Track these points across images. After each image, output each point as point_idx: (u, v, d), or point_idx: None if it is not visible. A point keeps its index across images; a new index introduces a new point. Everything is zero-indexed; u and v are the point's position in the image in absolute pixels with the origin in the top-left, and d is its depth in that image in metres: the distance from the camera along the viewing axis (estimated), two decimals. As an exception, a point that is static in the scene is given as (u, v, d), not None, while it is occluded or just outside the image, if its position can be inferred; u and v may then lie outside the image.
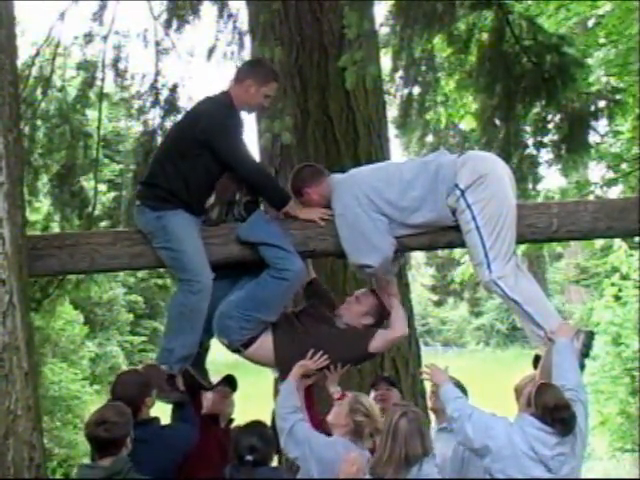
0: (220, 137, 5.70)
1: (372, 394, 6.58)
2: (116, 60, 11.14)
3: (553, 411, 5.03)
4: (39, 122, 10.97)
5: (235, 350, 5.94)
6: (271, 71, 6.08)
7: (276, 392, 6.24)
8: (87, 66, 11.28)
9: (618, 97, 10.92)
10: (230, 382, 6.52)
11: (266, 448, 5.04)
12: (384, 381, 6.81)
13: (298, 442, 5.32)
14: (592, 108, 10.35)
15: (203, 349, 6.18)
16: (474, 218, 5.58)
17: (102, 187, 13.16)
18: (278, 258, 5.71)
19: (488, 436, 5.10)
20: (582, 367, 5.79)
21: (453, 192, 5.63)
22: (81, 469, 5.12)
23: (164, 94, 11.01)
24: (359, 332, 5.95)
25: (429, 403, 6.31)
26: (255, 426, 5.25)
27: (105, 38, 11.06)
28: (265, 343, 5.86)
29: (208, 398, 6.42)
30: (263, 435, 5.09)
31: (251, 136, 9.54)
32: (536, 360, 6.04)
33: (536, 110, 10.43)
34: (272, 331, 5.87)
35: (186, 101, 10.90)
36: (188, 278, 5.70)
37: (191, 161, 5.72)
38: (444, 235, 5.83)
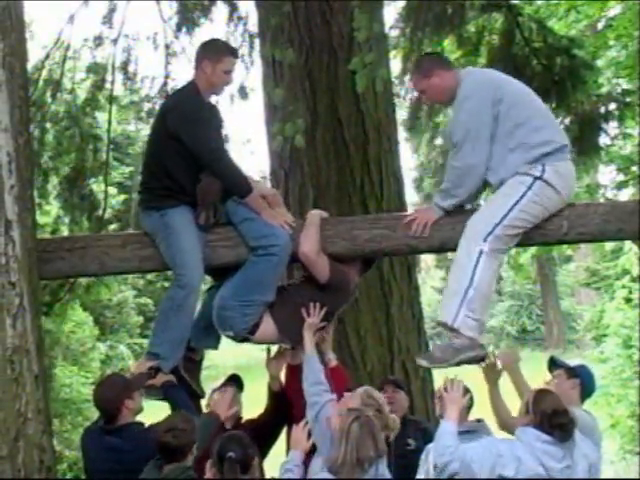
0: (183, 126, 5.66)
1: None
2: (126, 63, 11.16)
3: (552, 417, 5.04)
4: (49, 125, 10.99)
5: (243, 339, 5.93)
6: (223, 47, 6.01)
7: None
8: (97, 69, 11.32)
9: (628, 99, 10.87)
10: (236, 382, 6.51)
11: (246, 450, 5.03)
12: (391, 384, 6.78)
13: (323, 429, 5.39)
14: (602, 110, 10.31)
15: (198, 358, 6.23)
16: (522, 197, 5.49)
17: (112, 190, 13.13)
18: (262, 236, 5.71)
19: (500, 465, 5.10)
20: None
21: (536, 167, 5.51)
22: (148, 472, 5.17)
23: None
24: (341, 275, 5.95)
25: (437, 409, 6.28)
26: (234, 434, 5.21)
27: (115, 41, 11.08)
28: (267, 321, 5.85)
29: (214, 399, 6.42)
30: (242, 440, 5.07)
31: (261, 139, 9.59)
32: (551, 363, 6.07)
33: (546, 112, 10.39)
34: (269, 309, 5.85)
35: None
36: (178, 272, 5.73)
37: (170, 156, 5.73)
38: (454, 238, 5.77)
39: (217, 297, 5.86)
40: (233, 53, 6.01)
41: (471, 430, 5.78)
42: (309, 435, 5.49)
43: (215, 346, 6.27)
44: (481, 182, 5.70)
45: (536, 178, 5.50)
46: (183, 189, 5.75)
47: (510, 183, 5.56)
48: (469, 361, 5.52)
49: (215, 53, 5.83)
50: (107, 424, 5.45)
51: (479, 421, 6.00)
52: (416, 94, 5.98)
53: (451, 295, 5.53)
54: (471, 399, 5.97)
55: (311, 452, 5.53)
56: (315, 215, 5.96)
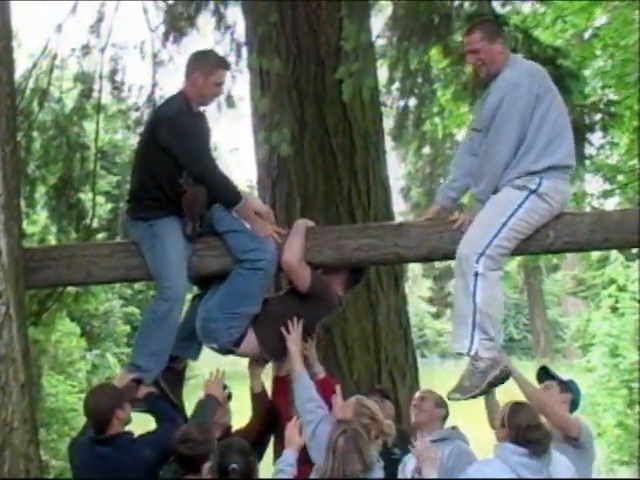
0: (173, 138, 5.65)
1: None
2: (113, 72, 11.12)
3: (526, 431, 5.05)
4: (36, 134, 10.93)
5: (227, 352, 5.91)
6: (216, 59, 6.00)
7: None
8: (84, 78, 11.25)
9: (613, 110, 10.88)
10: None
11: (248, 458, 5.02)
12: (377, 393, 6.78)
13: (320, 445, 5.34)
14: (587, 120, 10.30)
15: (181, 367, 6.21)
16: (512, 216, 5.45)
17: (99, 199, 13.07)
18: (249, 250, 5.69)
19: None
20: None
21: (533, 180, 5.46)
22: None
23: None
24: (323, 285, 5.95)
25: (412, 417, 6.27)
26: (234, 442, 5.20)
27: (102, 50, 11.03)
28: (250, 334, 5.84)
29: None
30: (243, 448, 5.06)
31: (248, 148, 9.56)
32: (543, 373, 6.13)
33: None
34: (251, 323, 5.85)
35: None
36: (162, 285, 5.72)
37: (160, 166, 5.72)
38: (441, 247, 5.80)
39: (201, 309, 5.87)
40: (225, 65, 6.01)
41: (445, 438, 5.92)
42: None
43: (195, 357, 6.25)
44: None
45: (531, 192, 5.46)
46: (171, 200, 5.74)
47: (501, 198, 5.54)
48: (497, 381, 5.47)
49: (207, 65, 5.81)
50: (97, 434, 5.42)
51: (453, 428, 6.11)
52: (466, 51, 5.73)
53: (460, 323, 5.48)
54: (446, 409, 6.11)
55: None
56: (300, 224, 5.96)
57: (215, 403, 5.82)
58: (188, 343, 6.05)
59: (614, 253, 18.42)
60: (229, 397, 6.34)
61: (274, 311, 5.92)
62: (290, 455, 5.35)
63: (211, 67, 5.81)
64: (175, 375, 6.12)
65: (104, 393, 5.55)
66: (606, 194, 14.74)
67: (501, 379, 5.46)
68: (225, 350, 5.89)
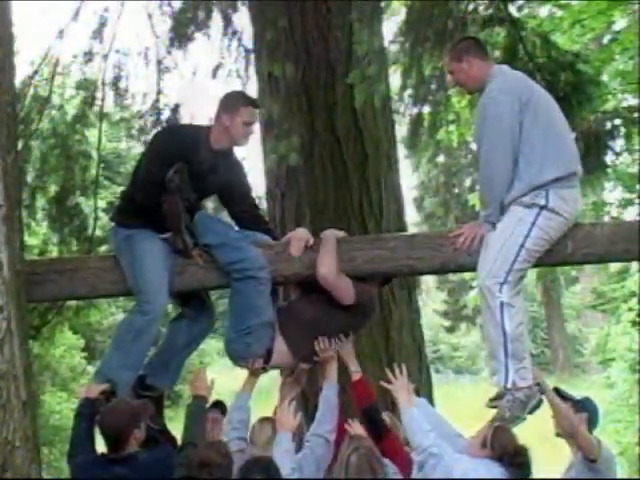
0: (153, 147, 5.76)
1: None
2: (116, 79, 10.97)
3: (513, 455, 4.96)
4: (37, 142, 10.78)
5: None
6: (241, 98, 5.90)
7: None
8: (86, 85, 11.12)
9: (636, 115, 10.64)
10: (220, 408, 6.38)
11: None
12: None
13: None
14: (609, 127, 10.06)
15: (157, 395, 6.01)
16: (527, 236, 5.32)
17: (102, 209, 12.93)
18: (233, 261, 5.66)
19: None
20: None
21: (540, 195, 5.32)
22: None
23: (166, 114, 10.83)
24: (367, 295, 5.92)
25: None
26: (260, 458, 5.03)
27: (105, 56, 10.87)
28: (279, 346, 5.77)
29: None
30: (269, 466, 4.89)
31: (255, 157, 9.43)
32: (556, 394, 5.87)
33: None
34: (279, 331, 5.77)
35: (188, 120, 10.67)
36: (141, 299, 5.67)
37: (146, 178, 5.66)
38: (455, 258, 5.65)
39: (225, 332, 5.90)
40: (252, 103, 5.87)
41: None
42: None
43: (170, 385, 6.19)
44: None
45: (541, 208, 5.34)
46: (156, 213, 5.65)
47: (512, 220, 5.39)
48: (535, 409, 5.41)
49: (233, 105, 5.73)
50: (113, 453, 5.23)
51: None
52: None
53: (493, 356, 5.41)
54: None
55: None
56: (329, 235, 5.85)
57: (204, 407, 5.65)
58: (163, 371, 6.01)
59: (635, 265, 18.06)
60: (224, 414, 6.26)
61: (303, 315, 5.86)
62: (286, 438, 5.32)
63: (237, 106, 5.72)
64: (153, 403, 5.94)
65: (121, 412, 5.33)
66: (626, 203, 14.49)
67: (538, 405, 5.41)
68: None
